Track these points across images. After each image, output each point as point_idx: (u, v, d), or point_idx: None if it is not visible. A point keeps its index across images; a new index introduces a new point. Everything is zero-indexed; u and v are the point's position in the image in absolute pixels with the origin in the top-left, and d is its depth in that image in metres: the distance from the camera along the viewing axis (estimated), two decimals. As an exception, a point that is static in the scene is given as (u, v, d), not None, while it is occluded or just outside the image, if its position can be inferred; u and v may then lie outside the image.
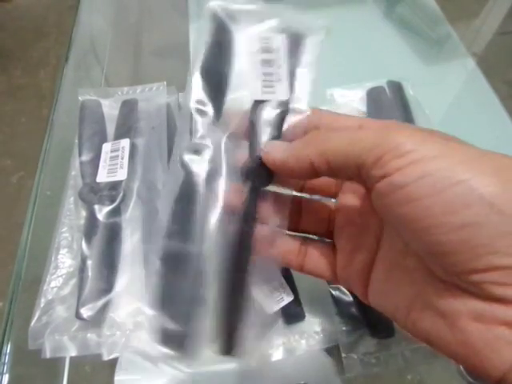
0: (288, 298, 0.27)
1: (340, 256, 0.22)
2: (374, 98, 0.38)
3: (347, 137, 0.18)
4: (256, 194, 0.21)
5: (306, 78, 0.23)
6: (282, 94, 0.23)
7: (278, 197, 0.22)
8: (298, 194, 0.24)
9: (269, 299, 0.27)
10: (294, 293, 0.27)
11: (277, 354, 0.26)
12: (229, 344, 0.21)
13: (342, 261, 0.22)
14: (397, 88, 0.39)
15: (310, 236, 0.24)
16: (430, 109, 0.38)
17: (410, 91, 0.40)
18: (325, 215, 0.24)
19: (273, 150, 0.21)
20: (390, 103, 0.38)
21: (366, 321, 0.27)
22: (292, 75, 0.23)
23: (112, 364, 0.27)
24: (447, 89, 0.45)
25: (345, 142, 0.18)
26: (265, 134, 0.22)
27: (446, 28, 0.52)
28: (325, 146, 0.18)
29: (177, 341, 0.21)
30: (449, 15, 0.53)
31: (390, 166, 0.16)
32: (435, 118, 0.38)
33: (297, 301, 0.27)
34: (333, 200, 0.24)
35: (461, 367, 0.27)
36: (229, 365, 0.26)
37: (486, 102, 0.43)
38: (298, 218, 0.24)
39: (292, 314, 0.27)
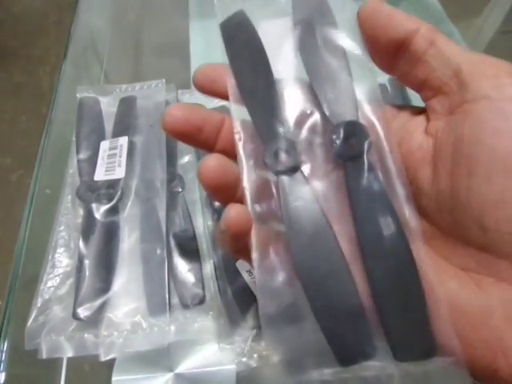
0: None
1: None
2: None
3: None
4: None
5: None
6: None
7: None
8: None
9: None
10: None
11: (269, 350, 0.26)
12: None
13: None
14: (399, 86, 0.39)
15: None
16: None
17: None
18: None
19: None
20: (392, 101, 0.38)
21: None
22: None
23: (110, 364, 0.26)
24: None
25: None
26: None
27: (448, 27, 0.51)
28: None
29: None
30: (451, 14, 0.52)
31: (506, 90, 0.14)
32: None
33: None
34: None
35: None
36: (227, 365, 0.26)
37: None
38: None
39: None
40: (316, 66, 0.18)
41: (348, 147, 0.16)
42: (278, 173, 0.16)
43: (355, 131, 0.17)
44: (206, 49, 0.49)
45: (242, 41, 0.19)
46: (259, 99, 0.18)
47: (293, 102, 0.18)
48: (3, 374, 0.28)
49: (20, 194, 0.98)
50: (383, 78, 0.40)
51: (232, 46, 0.19)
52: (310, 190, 0.16)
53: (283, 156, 0.17)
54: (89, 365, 0.29)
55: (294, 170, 0.16)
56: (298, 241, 0.16)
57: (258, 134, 0.17)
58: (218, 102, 0.37)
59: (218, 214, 0.30)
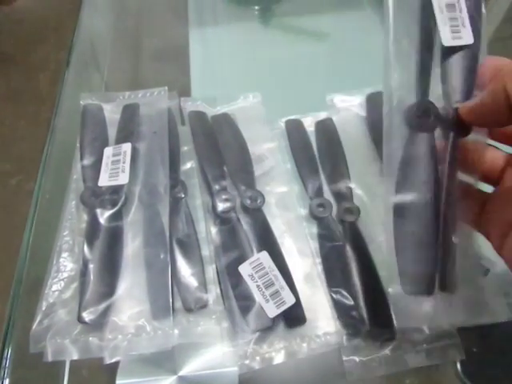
0: (289, 302, 0.27)
1: (495, 201, 0.23)
2: (374, 103, 0.38)
3: None
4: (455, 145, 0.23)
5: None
6: (467, 38, 0.24)
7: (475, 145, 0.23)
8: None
9: (270, 303, 0.27)
10: (295, 296, 0.27)
11: (278, 358, 0.26)
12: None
13: (495, 206, 0.23)
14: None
15: None
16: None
17: None
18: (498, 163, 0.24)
19: (467, 104, 0.22)
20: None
21: (369, 323, 0.27)
22: (472, 19, 0.24)
23: (111, 368, 0.27)
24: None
25: None
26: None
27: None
28: None
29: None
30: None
31: None
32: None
33: (298, 304, 0.27)
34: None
35: (459, 369, 0.28)
36: (230, 368, 0.26)
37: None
38: None
39: (293, 318, 0.27)
40: None
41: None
42: None
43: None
44: (206, 56, 0.49)
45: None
46: None
47: None
48: (7, 380, 0.28)
49: (19, 199, 0.98)
50: (377, 86, 0.40)
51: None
52: None
53: None
54: (91, 370, 0.29)
55: None
56: None
57: None
58: (219, 110, 0.38)
59: (220, 219, 0.31)
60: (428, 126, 0.24)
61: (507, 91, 0.18)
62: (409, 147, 0.24)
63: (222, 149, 0.34)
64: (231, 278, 0.28)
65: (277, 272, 0.28)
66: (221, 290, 0.28)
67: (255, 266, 0.28)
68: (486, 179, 0.24)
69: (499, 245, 0.22)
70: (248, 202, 0.31)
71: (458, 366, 0.28)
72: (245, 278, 0.28)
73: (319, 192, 0.33)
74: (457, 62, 0.24)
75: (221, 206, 0.31)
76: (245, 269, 0.28)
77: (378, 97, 0.39)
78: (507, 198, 0.23)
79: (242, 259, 0.28)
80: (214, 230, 0.31)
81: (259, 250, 0.29)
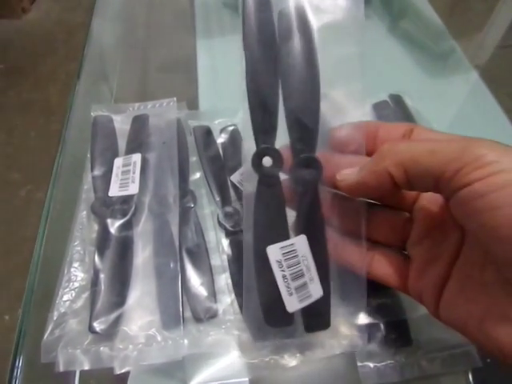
0: (315, 296, 0.24)
1: (414, 267, 0.22)
2: (381, 112, 0.39)
3: (427, 148, 0.18)
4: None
5: None
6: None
7: (350, 202, 0.24)
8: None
9: (293, 297, 0.24)
10: (325, 291, 0.24)
11: (292, 361, 0.26)
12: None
13: (415, 272, 0.22)
14: (398, 100, 0.40)
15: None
16: (435, 121, 0.39)
17: (408, 102, 0.40)
18: (398, 224, 0.24)
19: (347, 177, 0.22)
20: (396, 116, 0.39)
21: (384, 329, 0.27)
22: None
23: (123, 378, 0.27)
24: (452, 102, 0.46)
25: (424, 152, 0.18)
26: None
27: (450, 42, 0.53)
28: (404, 157, 0.19)
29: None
30: (452, 30, 0.54)
31: (471, 176, 0.16)
32: (440, 130, 0.39)
33: (325, 304, 0.25)
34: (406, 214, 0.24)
35: (470, 379, 0.27)
36: (240, 378, 0.26)
37: (491, 114, 0.44)
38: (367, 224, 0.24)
39: (316, 322, 0.25)
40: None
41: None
42: None
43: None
44: (213, 67, 0.50)
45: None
46: None
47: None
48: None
49: (28, 209, 0.99)
50: (384, 94, 0.41)
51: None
52: None
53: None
54: (101, 380, 0.29)
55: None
56: None
57: None
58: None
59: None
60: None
61: (390, 173, 0.19)
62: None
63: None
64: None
65: (311, 261, 0.24)
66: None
67: (287, 252, 0.24)
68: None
69: (435, 307, 0.21)
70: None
71: (470, 376, 0.27)
72: (271, 262, 0.23)
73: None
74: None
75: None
76: (274, 253, 0.23)
77: (384, 105, 0.39)
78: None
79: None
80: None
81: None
